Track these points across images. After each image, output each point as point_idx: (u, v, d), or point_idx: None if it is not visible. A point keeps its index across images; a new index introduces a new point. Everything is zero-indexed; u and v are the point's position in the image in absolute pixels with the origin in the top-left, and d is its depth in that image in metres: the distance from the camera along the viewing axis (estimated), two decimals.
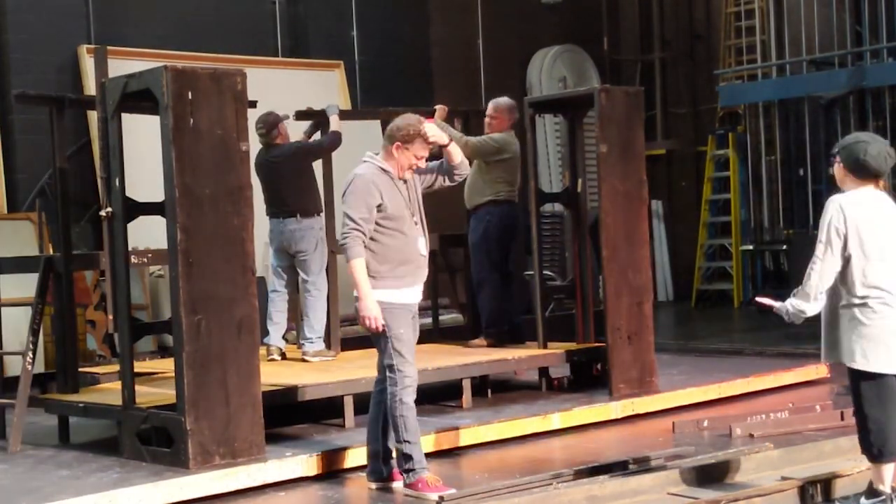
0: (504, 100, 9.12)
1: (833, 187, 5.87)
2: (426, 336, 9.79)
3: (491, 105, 9.13)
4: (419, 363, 8.14)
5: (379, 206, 5.98)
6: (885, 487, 5.39)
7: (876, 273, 5.33)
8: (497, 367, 8.53)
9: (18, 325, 8.65)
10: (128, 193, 6.80)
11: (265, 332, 8.68)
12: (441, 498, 5.75)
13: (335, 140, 8.89)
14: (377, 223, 5.98)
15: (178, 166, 6.36)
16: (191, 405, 6.32)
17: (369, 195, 5.96)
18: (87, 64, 11.12)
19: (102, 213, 6.86)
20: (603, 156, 8.34)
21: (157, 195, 6.57)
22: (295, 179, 8.77)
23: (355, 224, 5.91)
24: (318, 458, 6.59)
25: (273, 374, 7.67)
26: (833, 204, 5.51)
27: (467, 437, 7.26)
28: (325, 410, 7.71)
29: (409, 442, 6.05)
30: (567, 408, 7.88)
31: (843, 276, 5.39)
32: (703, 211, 17.40)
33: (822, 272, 5.40)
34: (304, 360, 8.68)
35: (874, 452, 5.35)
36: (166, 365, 8.01)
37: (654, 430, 7.64)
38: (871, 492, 5.44)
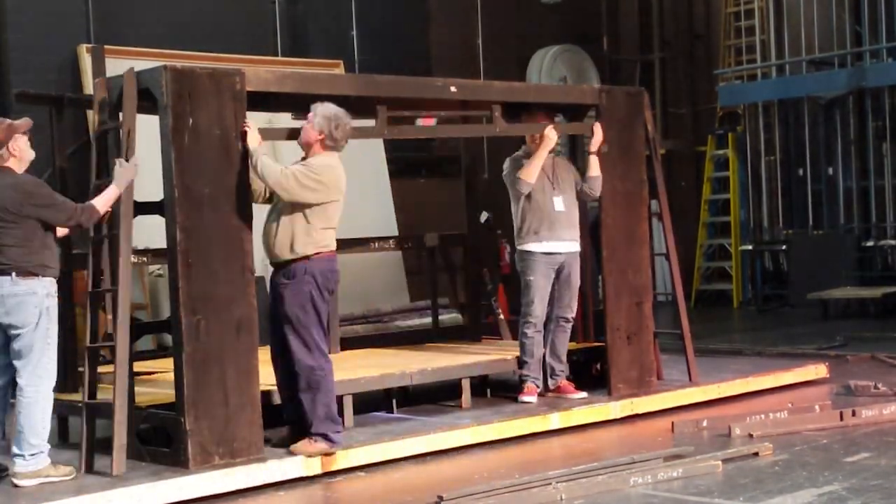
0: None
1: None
2: (425, 336, 9.84)
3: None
4: (418, 363, 8.18)
5: None
6: None
7: None
8: (497, 367, 8.53)
9: None
10: None
11: None
12: (440, 497, 5.76)
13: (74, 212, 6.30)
14: None
15: (177, 166, 6.37)
16: (190, 405, 6.32)
17: None
18: (87, 63, 11.12)
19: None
20: (603, 156, 8.35)
21: (157, 195, 6.57)
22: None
23: None
24: (317, 458, 6.58)
25: (272, 374, 7.65)
26: None
27: (467, 436, 7.26)
28: None
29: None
30: (566, 408, 7.88)
31: None
32: (703, 211, 17.43)
33: None
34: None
35: None
36: (166, 364, 8.01)
37: (653, 430, 7.65)
38: None
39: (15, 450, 6.20)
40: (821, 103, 16.15)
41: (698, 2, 18.59)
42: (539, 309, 8.23)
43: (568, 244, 8.28)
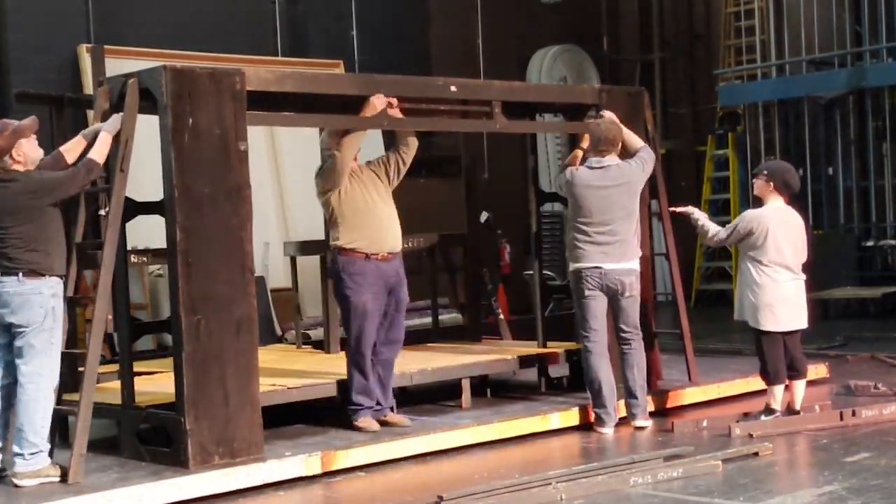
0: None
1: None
2: (425, 336, 9.84)
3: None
4: (418, 363, 8.18)
5: None
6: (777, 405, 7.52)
7: None
8: (497, 367, 8.52)
9: None
10: (126, 193, 6.79)
11: None
12: (440, 497, 5.76)
13: (77, 176, 6.35)
14: None
15: (177, 166, 6.37)
16: (190, 405, 6.32)
17: None
18: (87, 63, 11.12)
19: (101, 212, 6.85)
20: None
21: (157, 194, 6.57)
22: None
23: None
24: (317, 458, 6.58)
25: (272, 374, 7.67)
26: None
27: (467, 436, 7.26)
28: (325, 409, 7.71)
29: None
30: (566, 407, 7.87)
31: None
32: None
33: None
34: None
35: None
36: (166, 364, 8.01)
37: (653, 430, 7.64)
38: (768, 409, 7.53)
39: (16, 449, 6.20)
40: (821, 103, 16.14)
41: (698, 2, 18.59)
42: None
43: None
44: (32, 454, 6.17)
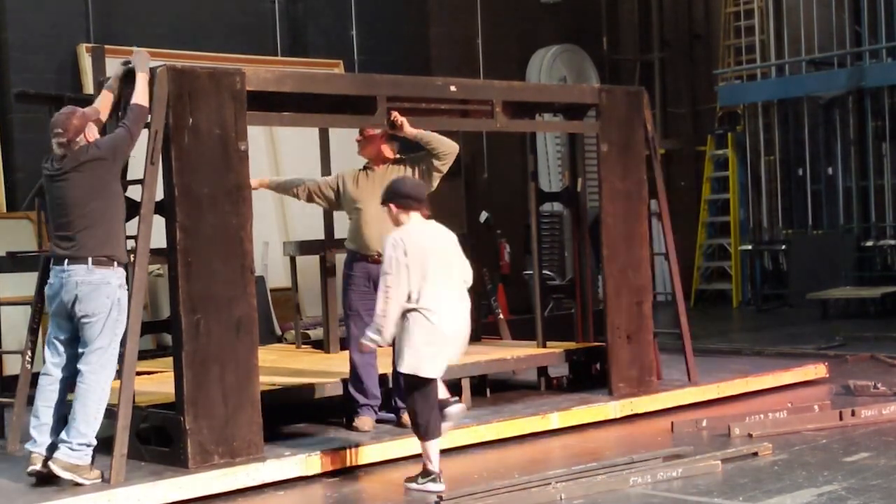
0: None
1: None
2: None
3: None
4: None
5: None
6: (434, 466, 6.12)
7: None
8: (496, 366, 8.52)
9: (18, 325, 8.65)
10: (126, 193, 6.79)
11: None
12: (440, 497, 5.76)
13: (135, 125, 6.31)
14: None
15: (176, 166, 6.37)
16: (190, 404, 6.33)
17: None
18: (87, 63, 11.13)
19: None
20: (603, 155, 8.36)
21: (156, 194, 6.56)
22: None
23: None
24: (316, 458, 6.59)
25: (272, 373, 7.67)
26: None
27: (466, 436, 7.26)
28: (325, 409, 7.71)
29: None
30: (566, 407, 7.88)
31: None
32: (702, 211, 17.44)
33: None
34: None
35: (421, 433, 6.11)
36: (165, 364, 8.01)
37: (653, 430, 7.65)
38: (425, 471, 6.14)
39: (63, 436, 6.14)
40: (820, 103, 16.16)
41: (698, 2, 18.60)
42: None
43: None
44: (80, 444, 6.11)
